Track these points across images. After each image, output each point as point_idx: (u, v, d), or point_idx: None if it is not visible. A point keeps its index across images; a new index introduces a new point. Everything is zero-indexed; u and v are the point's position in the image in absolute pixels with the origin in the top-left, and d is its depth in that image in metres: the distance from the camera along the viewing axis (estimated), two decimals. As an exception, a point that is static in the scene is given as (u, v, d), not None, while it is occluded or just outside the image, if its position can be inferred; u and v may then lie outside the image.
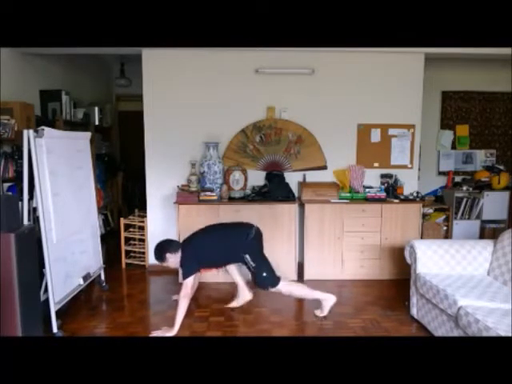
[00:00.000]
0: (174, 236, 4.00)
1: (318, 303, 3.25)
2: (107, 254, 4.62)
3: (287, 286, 3.16)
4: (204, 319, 3.18)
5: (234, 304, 3.40)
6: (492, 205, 4.92)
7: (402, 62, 4.31)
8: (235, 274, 3.42)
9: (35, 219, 3.02)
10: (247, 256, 3.04)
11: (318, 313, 3.24)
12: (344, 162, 4.40)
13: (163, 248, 3.05)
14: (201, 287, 3.78)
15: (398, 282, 3.91)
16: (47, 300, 2.89)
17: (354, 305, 3.49)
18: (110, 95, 6.61)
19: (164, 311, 3.32)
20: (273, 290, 3.10)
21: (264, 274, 3.06)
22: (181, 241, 3.34)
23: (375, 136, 4.41)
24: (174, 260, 3.03)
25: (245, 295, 3.40)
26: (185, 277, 2.97)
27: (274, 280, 3.08)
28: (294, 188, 4.23)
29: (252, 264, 3.04)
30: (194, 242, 3.11)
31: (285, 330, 3.02)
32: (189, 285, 2.95)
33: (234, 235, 3.17)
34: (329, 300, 3.21)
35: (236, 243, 3.09)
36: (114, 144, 6.37)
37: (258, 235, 3.19)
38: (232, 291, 3.70)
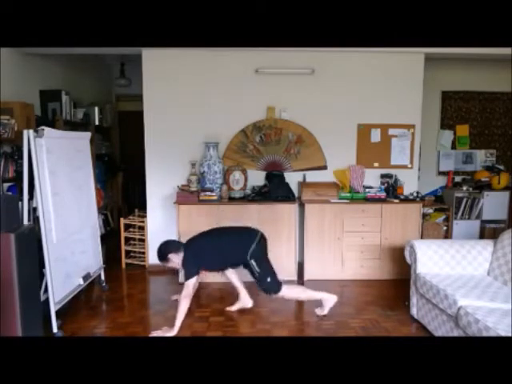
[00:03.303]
0: (173, 236, 4.00)
1: (318, 302, 3.26)
2: (107, 254, 4.62)
3: (289, 291, 3.15)
4: (204, 319, 3.18)
5: (234, 308, 3.38)
6: (492, 205, 4.92)
7: (402, 62, 4.31)
8: (235, 279, 3.40)
9: (35, 219, 3.02)
10: (252, 261, 3.03)
11: (318, 311, 3.25)
12: (344, 162, 4.40)
13: (166, 248, 3.05)
14: (201, 287, 3.78)
15: (398, 282, 3.91)
16: (47, 300, 2.89)
17: (354, 305, 3.49)
18: (110, 95, 6.60)
19: (164, 311, 3.32)
20: (276, 296, 3.10)
21: (268, 280, 3.05)
22: (182, 241, 3.34)
23: (375, 136, 4.41)
24: (177, 260, 3.03)
25: (245, 302, 3.39)
26: (187, 278, 2.96)
27: (277, 286, 3.07)
28: (294, 188, 4.23)
29: (257, 269, 3.03)
30: (198, 244, 3.10)
31: (285, 330, 3.02)
32: (190, 285, 2.94)
33: (239, 239, 3.15)
34: (330, 300, 3.22)
35: (241, 248, 3.07)
36: (114, 144, 6.36)
37: (264, 240, 3.18)
38: (232, 291, 3.70)
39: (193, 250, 3.04)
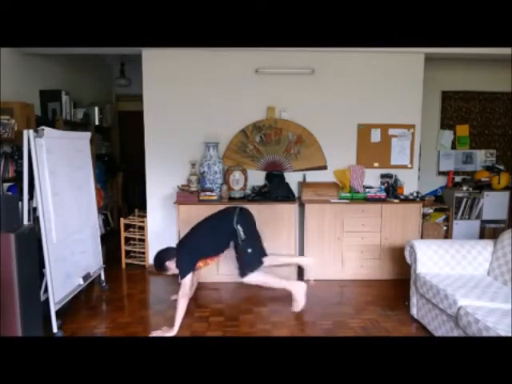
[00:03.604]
0: (173, 236, 4.00)
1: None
2: (107, 254, 4.62)
3: (258, 277, 3.15)
4: (204, 319, 3.18)
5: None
6: (492, 205, 4.92)
7: (402, 62, 4.31)
8: (277, 259, 3.39)
9: (35, 219, 3.02)
10: (239, 226, 3.07)
11: (295, 308, 3.20)
12: (344, 162, 4.40)
13: (161, 258, 3.11)
14: (200, 287, 3.79)
15: (398, 282, 3.91)
16: (47, 300, 2.89)
17: (354, 305, 3.48)
18: (110, 95, 6.61)
19: (164, 311, 3.32)
20: (245, 280, 3.10)
21: (249, 251, 3.07)
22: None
23: (375, 136, 4.41)
24: (173, 266, 3.07)
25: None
26: (182, 276, 2.98)
27: (257, 261, 3.09)
28: (294, 188, 4.23)
29: (242, 236, 3.06)
30: (185, 241, 3.18)
31: (285, 330, 3.02)
32: (187, 284, 2.96)
33: (222, 216, 3.24)
34: (300, 290, 3.18)
35: (226, 220, 3.14)
36: (114, 144, 6.36)
37: (245, 211, 3.24)
38: (232, 290, 3.70)
39: (184, 249, 3.09)
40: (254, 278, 3.11)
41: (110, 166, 5.82)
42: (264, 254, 3.23)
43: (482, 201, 4.92)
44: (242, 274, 3.10)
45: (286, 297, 3.35)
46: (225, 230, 3.13)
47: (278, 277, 3.27)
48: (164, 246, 3.25)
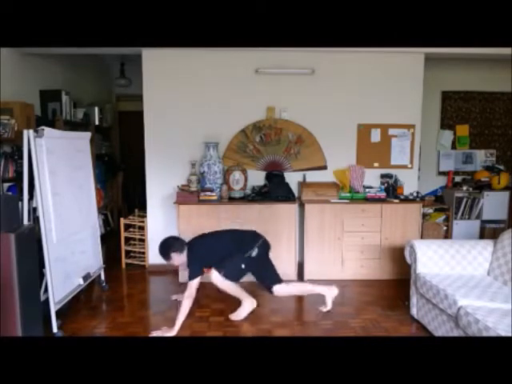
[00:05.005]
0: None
1: (319, 302, 3.26)
2: (107, 254, 4.62)
3: (286, 288, 3.18)
4: (204, 319, 3.18)
5: (234, 317, 3.19)
6: (492, 205, 4.92)
7: (402, 62, 4.31)
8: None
9: (35, 219, 3.02)
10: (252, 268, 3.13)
11: (323, 309, 3.25)
12: (344, 162, 4.40)
13: (169, 245, 3.04)
14: (200, 287, 3.77)
15: (398, 282, 3.91)
16: (47, 300, 2.88)
17: (354, 305, 3.49)
18: (110, 95, 6.61)
19: (164, 311, 3.32)
20: (275, 293, 3.13)
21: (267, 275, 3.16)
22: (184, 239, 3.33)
23: (375, 136, 4.41)
24: (178, 259, 3.03)
25: (250, 304, 3.26)
26: (191, 278, 2.96)
27: (276, 278, 3.16)
28: (294, 188, 4.23)
29: (256, 271, 3.15)
30: (204, 244, 3.12)
31: (285, 330, 3.02)
32: (194, 286, 2.94)
33: (242, 244, 3.15)
34: (331, 293, 3.24)
35: (240, 252, 3.10)
36: (114, 144, 6.37)
37: (266, 246, 3.21)
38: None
39: (198, 250, 3.05)
40: (279, 292, 3.15)
41: (110, 166, 5.83)
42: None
43: (481, 201, 4.92)
44: (268, 288, 3.16)
45: (286, 297, 3.36)
46: (236, 261, 3.11)
47: (307, 283, 3.40)
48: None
